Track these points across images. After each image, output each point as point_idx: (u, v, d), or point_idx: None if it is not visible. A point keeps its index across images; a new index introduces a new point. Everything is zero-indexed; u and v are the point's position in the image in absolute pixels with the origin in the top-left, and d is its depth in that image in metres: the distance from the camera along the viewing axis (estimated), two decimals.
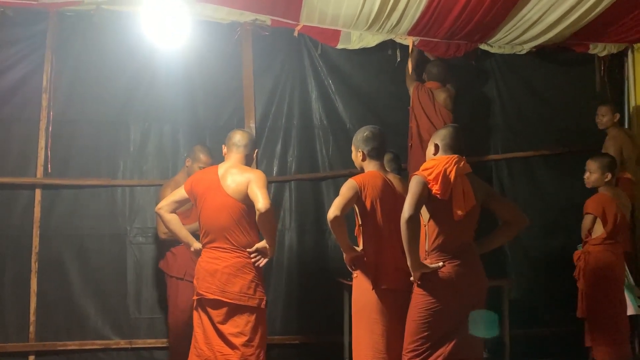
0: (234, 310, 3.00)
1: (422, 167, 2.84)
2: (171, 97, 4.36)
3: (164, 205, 3.20)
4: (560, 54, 4.82)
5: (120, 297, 4.24)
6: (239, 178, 3.07)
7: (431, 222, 2.78)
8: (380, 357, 2.81)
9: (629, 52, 4.94)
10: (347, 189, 2.89)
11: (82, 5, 4.11)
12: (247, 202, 3.04)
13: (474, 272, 2.79)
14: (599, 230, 3.80)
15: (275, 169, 4.55)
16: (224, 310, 3.01)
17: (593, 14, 4.13)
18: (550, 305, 4.58)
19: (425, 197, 2.71)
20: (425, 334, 2.72)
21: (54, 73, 4.19)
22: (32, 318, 4.06)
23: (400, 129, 4.51)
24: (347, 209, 2.85)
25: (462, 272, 2.73)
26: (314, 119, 4.63)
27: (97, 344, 4.15)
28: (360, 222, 2.97)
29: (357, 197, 2.89)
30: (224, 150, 3.26)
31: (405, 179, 3.12)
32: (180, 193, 3.22)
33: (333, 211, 2.79)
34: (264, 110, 4.56)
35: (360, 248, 2.97)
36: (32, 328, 4.06)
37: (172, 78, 4.31)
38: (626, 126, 4.93)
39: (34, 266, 4.09)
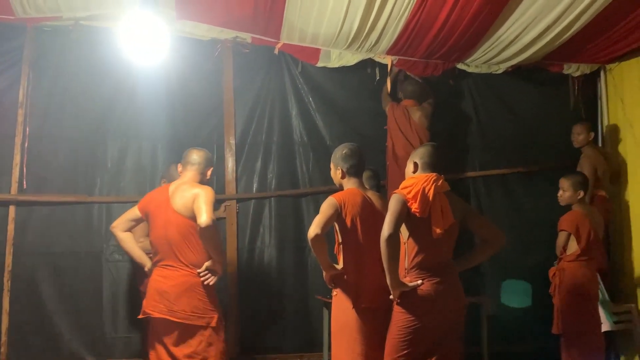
0: (185, 330, 2.96)
1: (401, 186, 2.86)
2: (150, 113, 4.33)
3: (118, 224, 3.20)
4: (535, 74, 4.92)
5: (96, 316, 4.15)
6: (187, 194, 3.07)
7: (410, 240, 2.80)
8: None
9: (602, 73, 5.07)
10: (327, 206, 2.89)
11: (60, 21, 4.08)
12: (194, 218, 3.01)
13: (453, 290, 2.81)
14: (573, 247, 3.86)
15: (255, 185, 4.54)
16: (173, 330, 2.97)
17: (567, 35, 4.24)
18: (527, 321, 4.61)
19: (404, 215, 2.73)
20: (405, 351, 2.72)
21: (30, 88, 4.14)
22: (4, 338, 3.95)
23: (379, 146, 4.55)
24: (327, 227, 2.85)
25: (441, 290, 2.74)
26: (294, 135, 4.65)
27: None
28: (340, 240, 2.97)
29: (337, 215, 2.89)
30: (179, 168, 3.30)
31: (384, 196, 3.13)
32: (134, 212, 3.22)
33: (313, 229, 2.79)
34: (244, 126, 4.57)
35: (340, 266, 2.97)
36: (3, 349, 3.94)
37: (152, 94, 4.28)
38: (600, 145, 5.05)
39: (7, 284, 3.99)
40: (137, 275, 3.95)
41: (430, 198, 2.74)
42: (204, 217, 2.90)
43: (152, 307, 2.98)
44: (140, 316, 3.05)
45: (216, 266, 3.05)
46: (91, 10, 4.03)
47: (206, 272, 3.04)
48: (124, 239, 3.19)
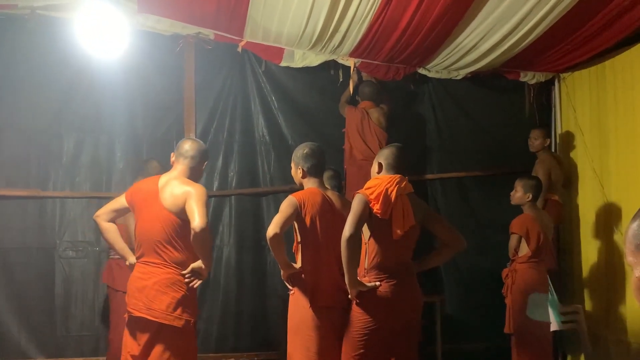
0: (159, 329, 2.84)
1: (365, 186, 2.87)
2: (108, 107, 4.25)
3: (102, 214, 3.02)
4: (493, 81, 5.05)
5: (47, 314, 4.05)
6: (177, 191, 2.88)
7: (371, 240, 2.81)
8: None
9: (556, 81, 5.25)
10: (286, 206, 2.89)
11: (15, 9, 3.94)
12: (182, 216, 2.86)
13: (411, 291, 2.84)
14: (524, 249, 3.99)
15: (215, 183, 4.51)
16: (148, 329, 2.85)
17: (523, 44, 4.37)
18: (481, 320, 4.73)
19: (366, 215, 2.74)
20: (362, 351, 2.75)
21: None
22: None
23: (340, 146, 4.59)
24: (286, 226, 2.85)
25: (398, 291, 2.77)
26: (256, 134, 4.63)
27: None
28: (299, 239, 2.98)
29: (296, 214, 2.89)
30: (172, 158, 3.08)
31: (344, 197, 3.16)
32: (120, 201, 3.03)
33: (272, 228, 2.78)
34: (205, 124, 4.53)
35: (298, 265, 2.98)
36: None
37: (110, 88, 4.20)
38: (553, 150, 5.22)
39: None
40: (104, 267, 3.86)
41: (393, 199, 2.76)
42: (199, 221, 2.74)
43: (133, 305, 2.85)
44: (124, 315, 2.93)
45: (203, 269, 2.92)
46: (48, 0, 3.91)
47: (191, 274, 2.90)
48: (107, 229, 3.02)
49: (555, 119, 5.31)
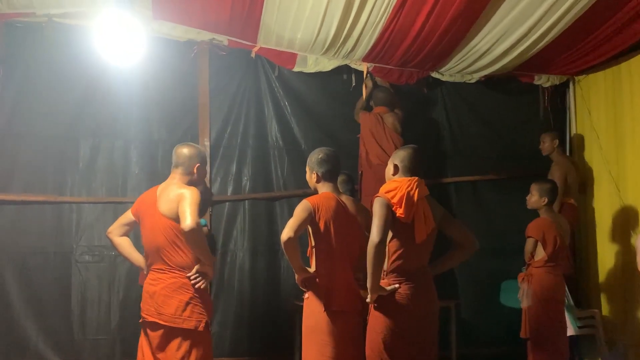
0: (169, 333, 2.88)
1: (383, 189, 2.82)
2: (124, 112, 4.29)
3: (113, 230, 3.10)
4: (507, 84, 5.04)
5: (64, 318, 4.09)
6: (171, 195, 2.94)
7: (392, 243, 2.77)
8: None
9: (571, 84, 5.22)
10: (301, 210, 2.89)
11: (33, 17, 4.02)
12: (178, 220, 2.87)
13: (428, 295, 2.83)
14: (540, 253, 3.96)
15: (229, 188, 4.54)
16: (160, 333, 2.90)
17: (537, 47, 4.36)
18: (496, 325, 4.70)
19: (390, 219, 2.72)
20: (386, 355, 2.73)
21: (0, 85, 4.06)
22: None
23: (353, 152, 4.59)
24: (300, 230, 2.85)
25: (416, 294, 2.76)
26: (269, 139, 4.65)
27: None
28: (313, 244, 2.98)
29: (310, 219, 2.89)
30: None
31: (358, 201, 3.16)
32: (128, 216, 3.10)
33: (287, 232, 2.79)
34: (219, 129, 4.56)
35: (312, 269, 2.98)
36: None
37: (126, 94, 4.24)
38: (568, 153, 5.19)
39: None
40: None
41: (415, 202, 2.74)
42: (187, 221, 2.77)
43: (146, 310, 2.92)
44: (140, 320, 2.98)
45: (206, 269, 2.96)
46: (65, 8, 3.97)
47: (197, 275, 2.94)
48: (120, 244, 3.09)
49: (570, 122, 5.28)
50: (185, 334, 2.87)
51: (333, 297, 2.88)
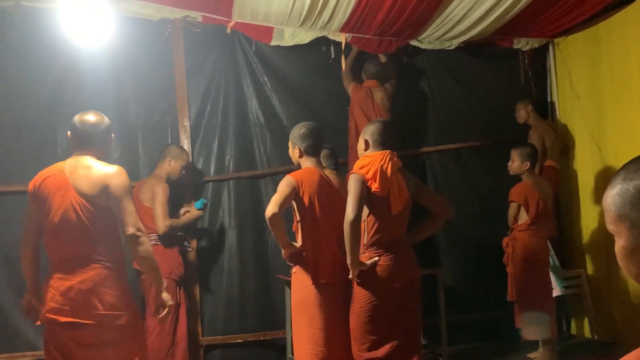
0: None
1: (357, 165, 2.87)
2: (100, 96, 4.20)
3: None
4: (486, 49, 5.01)
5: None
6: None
7: (370, 217, 2.83)
8: (319, 351, 2.85)
9: (550, 47, 5.21)
10: (284, 185, 2.90)
11: (1, 2, 3.89)
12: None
13: (408, 264, 2.88)
14: (523, 217, 4.00)
15: (212, 167, 4.50)
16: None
17: (515, 9, 4.32)
18: (483, 291, 4.77)
19: (365, 195, 2.75)
20: (369, 327, 2.78)
21: None
22: None
23: (335, 125, 4.56)
24: (284, 205, 2.85)
25: (396, 264, 2.81)
26: (250, 116, 4.60)
27: (29, 355, 3.97)
28: (298, 218, 2.99)
29: (294, 194, 2.90)
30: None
31: (343, 175, 3.16)
32: None
33: (271, 208, 2.79)
34: (198, 108, 4.49)
35: (298, 244, 2.98)
36: None
37: (101, 77, 4.14)
38: (549, 117, 5.20)
39: None
40: None
41: (389, 176, 2.77)
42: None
43: None
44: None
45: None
46: None
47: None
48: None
49: (551, 85, 5.28)
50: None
51: (320, 270, 2.91)
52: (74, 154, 2.67)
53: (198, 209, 4.09)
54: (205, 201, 4.14)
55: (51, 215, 2.51)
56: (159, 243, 3.89)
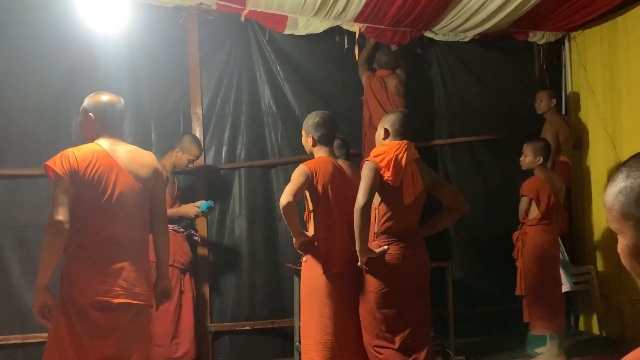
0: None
1: (372, 153, 2.88)
2: (114, 83, 4.18)
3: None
4: (501, 42, 4.96)
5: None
6: None
7: (382, 206, 2.84)
8: (327, 340, 2.86)
9: (566, 41, 5.15)
10: (298, 174, 2.89)
11: None
12: None
13: (418, 255, 2.89)
14: (534, 212, 3.98)
15: (224, 155, 4.51)
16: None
17: (531, 3, 4.28)
18: (492, 284, 4.77)
19: (377, 183, 2.76)
20: (378, 316, 2.80)
21: None
22: None
23: (348, 116, 4.55)
24: (299, 194, 2.86)
25: (406, 254, 2.82)
26: (262, 105, 4.60)
27: (40, 337, 4.00)
28: (311, 208, 2.99)
29: (308, 183, 2.90)
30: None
31: (355, 165, 3.16)
32: None
33: (285, 197, 2.79)
34: (211, 96, 4.50)
35: (310, 233, 2.99)
36: None
37: (115, 64, 4.15)
38: (563, 111, 5.16)
39: None
40: None
41: (403, 166, 2.77)
42: None
43: None
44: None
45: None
46: None
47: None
48: None
49: (565, 79, 5.23)
50: None
51: (332, 260, 2.91)
52: (101, 136, 2.58)
53: (202, 211, 3.96)
54: (211, 204, 4.02)
55: (107, 196, 2.44)
56: None
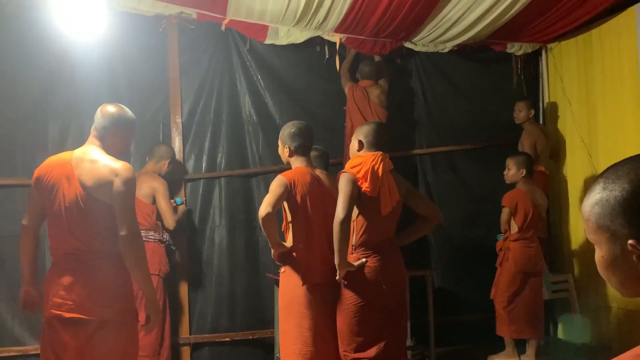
0: None
1: (348, 165, 2.89)
2: (93, 92, 4.17)
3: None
4: (480, 53, 5.02)
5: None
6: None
7: (359, 217, 2.85)
8: (307, 351, 2.84)
9: (543, 52, 5.23)
10: (277, 185, 2.88)
11: None
12: None
13: (395, 267, 2.90)
14: (515, 225, 4.04)
15: (204, 165, 4.48)
16: None
17: (509, 14, 4.34)
18: (472, 292, 4.79)
19: (356, 195, 2.76)
20: (356, 328, 2.80)
21: None
22: None
23: (329, 125, 4.57)
24: (278, 205, 2.85)
25: (384, 266, 2.83)
26: (243, 114, 4.59)
27: (14, 350, 3.94)
28: (289, 219, 2.98)
29: (287, 194, 2.89)
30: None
31: (333, 176, 3.16)
32: None
33: (265, 208, 2.78)
34: (191, 105, 4.48)
35: (288, 244, 2.98)
36: None
37: (94, 72, 4.11)
38: (541, 121, 5.23)
39: None
40: None
41: (380, 176, 2.78)
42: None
43: None
44: None
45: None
46: None
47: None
48: None
49: (542, 90, 5.31)
50: None
51: (310, 271, 2.91)
52: (86, 143, 2.58)
53: (179, 204, 4.13)
54: (181, 201, 4.20)
55: (56, 206, 2.41)
56: (150, 240, 3.88)
